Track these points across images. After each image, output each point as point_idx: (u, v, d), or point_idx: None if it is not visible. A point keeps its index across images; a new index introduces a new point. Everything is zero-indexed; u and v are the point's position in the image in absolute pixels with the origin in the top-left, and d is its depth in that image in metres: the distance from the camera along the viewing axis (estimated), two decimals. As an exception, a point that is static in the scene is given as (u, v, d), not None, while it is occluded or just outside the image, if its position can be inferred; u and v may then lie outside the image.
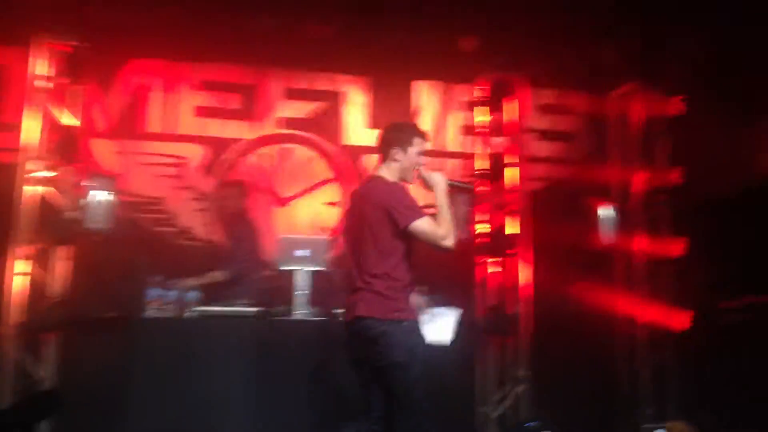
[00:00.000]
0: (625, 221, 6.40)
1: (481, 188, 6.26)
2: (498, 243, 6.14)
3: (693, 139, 6.47)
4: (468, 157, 6.61)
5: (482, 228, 6.20)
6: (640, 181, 6.49)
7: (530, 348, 5.93)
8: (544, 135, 6.97)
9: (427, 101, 6.85)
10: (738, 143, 6.44)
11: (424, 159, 3.63)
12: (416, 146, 3.60)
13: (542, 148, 6.93)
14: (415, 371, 3.37)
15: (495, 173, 6.29)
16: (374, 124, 6.68)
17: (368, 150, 6.65)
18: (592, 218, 6.52)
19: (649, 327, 6.13)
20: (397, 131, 3.66)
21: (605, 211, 6.47)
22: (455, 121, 6.88)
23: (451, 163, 6.77)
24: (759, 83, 6.15)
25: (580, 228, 6.54)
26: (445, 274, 5.88)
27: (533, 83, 6.55)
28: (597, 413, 5.75)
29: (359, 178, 6.60)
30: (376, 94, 6.72)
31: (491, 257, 6.16)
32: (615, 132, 6.66)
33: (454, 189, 3.67)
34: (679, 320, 5.98)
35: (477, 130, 6.41)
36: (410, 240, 3.50)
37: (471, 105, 6.55)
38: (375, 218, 3.47)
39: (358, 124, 6.70)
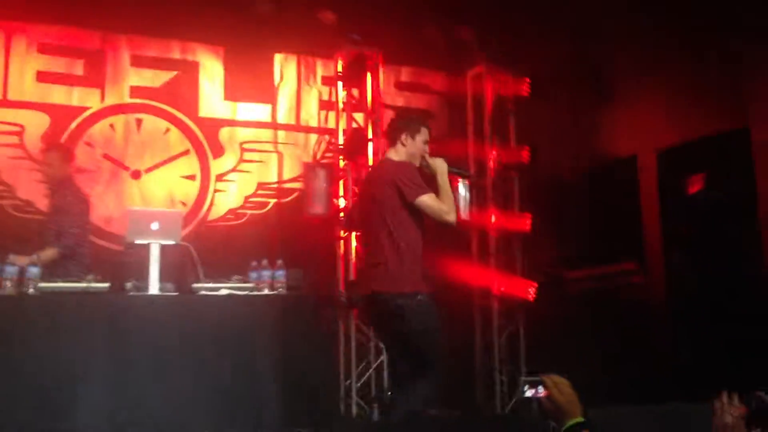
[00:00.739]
0: (479, 197, 6.62)
1: (341, 163, 6.27)
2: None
3: (540, 120, 6.80)
4: (328, 132, 6.57)
5: (343, 203, 6.20)
6: (492, 159, 6.73)
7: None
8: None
9: (286, 74, 6.72)
10: (581, 125, 6.82)
11: (427, 147, 3.97)
12: (423, 135, 3.96)
13: (400, 125, 7.00)
14: (433, 336, 3.73)
15: (354, 148, 6.29)
16: (232, 97, 6.48)
17: (226, 123, 6.45)
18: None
19: (503, 297, 6.39)
20: (407, 119, 4.09)
21: (461, 188, 6.66)
22: (315, 95, 6.80)
23: (312, 138, 6.69)
24: (603, 70, 6.55)
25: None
26: (307, 249, 5.85)
27: (391, 60, 6.61)
28: (456, 381, 5.92)
29: (216, 152, 6.39)
30: (233, 65, 6.50)
31: (352, 232, 6.16)
32: (469, 111, 6.86)
33: (453, 174, 4.00)
34: (530, 290, 6.27)
35: (336, 106, 6.39)
36: (419, 216, 3.77)
37: (331, 79, 6.51)
38: (385, 195, 3.77)
39: (214, 95, 6.46)
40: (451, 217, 3.77)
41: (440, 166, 3.89)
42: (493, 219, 6.55)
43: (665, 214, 6.10)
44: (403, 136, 3.93)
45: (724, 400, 2.19)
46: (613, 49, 6.31)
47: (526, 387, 2.29)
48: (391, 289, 3.70)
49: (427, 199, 3.73)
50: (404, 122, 4.03)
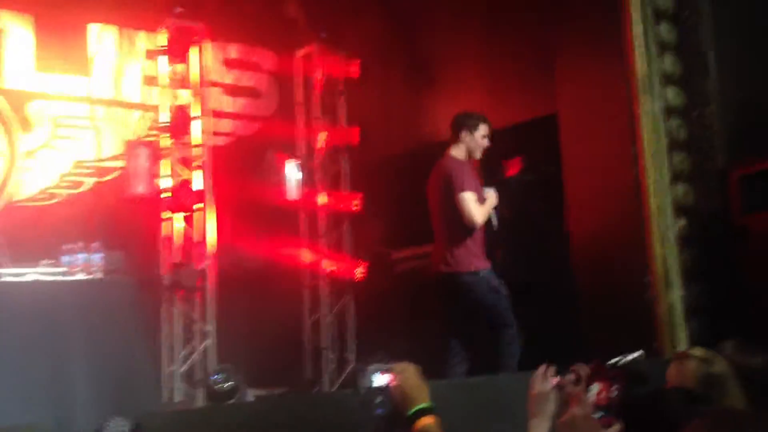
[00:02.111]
0: (308, 177, 6.62)
1: (165, 142, 6.02)
2: (183, 198, 5.95)
3: (370, 102, 6.89)
4: (150, 108, 6.28)
5: (166, 183, 5.97)
6: (322, 139, 6.75)
7: (217, 302, 5.88)
8: (229, 90, 6.87)
9: (105, 46, 6.32)
10: (409, 107, 6.97)
11: (487, 141, 4.47)
12: (481, 130, 4.45)
13: (228, 103, 6.83)
14: (500, 303, 4.31)
15: (179, 127, 6.07)
16: (43, 68, 6.02)
17: (36, 95, 5.98)
18: (278, 174, 6.64)
19: (331, 277, 6.44)
20: (467, 117, 4.51)
21: (290, 167, 6.63)
22: (136, 70, 6.45)
23: (133, 115, 6.36)
24: (427, 54, 6.72)
25: (266, 183, 6.62)
26: (128, 230, 5.59)
27: (218, 36, 6.43)
28: (285, 362, 5.92)
29: (25, 126, 5.92)
30: (45, 34, 6.02)
31: (176, 212, 5.95)
32: (299, 90, 6.83)
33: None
34: (358, 270, 6.37)
35: (160, 81, 6.12)
36: None
37: (153, 54, 6.21)
38: (444, 189, 4.37)
39: (23, 66, 5.96)
40: (478, 221, 4.31)
41: (492, 195, 4.44)
42: (321, 199, 6.58)
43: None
44: (463, 133, 4.44)
45: (540, 372, 2.30)
46: (437, 33, 6.49)
47: (374, 375, 2.30)
48: (457, 269, 4.32)
49: (468, 196, 4.28)
50: (463, 118, 4.50)
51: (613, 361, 3.21)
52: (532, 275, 5.34)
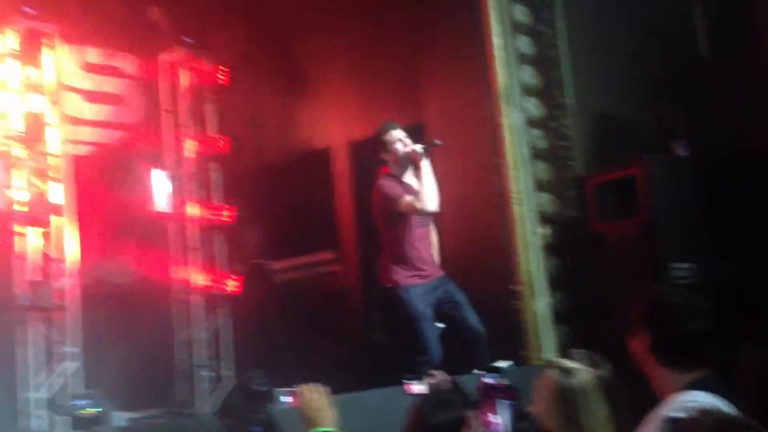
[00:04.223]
0: (177, 188, 6.41)
1: (16, 152, 5.64)
2: (39, 211, 5.59)
3: (241, 109, 6.76)
4: (0, 115, 5.85)
5: (21, 195, 5.59)
6: (190, 148, 6.55)
7: (79, 323, 5.57)
8: (89, 96, 6.52)
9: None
10: (281, 116, 6.90)
11: (402, 143, 4.43)
12: (392, 139, 4.44)
13: (87, 110, 6.49)
14: None
15: (33, 135, 5.70)
16: None
17: None
18: (144, 185, 6.39)
19: (204, 292, 6.27)
20: (376, 139, 4.55)
21: (158, 178, 6.39)
22: (-17, 73, 5.99)
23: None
24: (297, 62, 6.66)
25: (131, 195, 6.35)
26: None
27: (75, 39, 6.10)
28: (156, 382, 5.69)
29: None
30: None
31: (32, 227, 5.59)
32: (165, 97, 6.59)
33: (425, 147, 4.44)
34: (233, 283, 6.23)
35: (10, 86, 5.72)
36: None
37: (1, 56, 5.80)
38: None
39: None
40: (429, 205, 4.33)
41: (417, 151, 4.35)
42: (191, 211, 6.38)
43: (360, 204, 6.40)
44: (382, 154, 4.47)
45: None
46: (307, 41, 6.45)
47: (281, 397, 2.28)
48: None
49: (405, 201, 4.31)
50: (377, 143, 4.50)
51: (482, 370, 3.31)
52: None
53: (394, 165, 4.48)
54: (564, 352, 3.01)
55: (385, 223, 4.45)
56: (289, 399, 2.28)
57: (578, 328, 4.94)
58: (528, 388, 2.54)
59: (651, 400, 2.18)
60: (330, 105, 6.38)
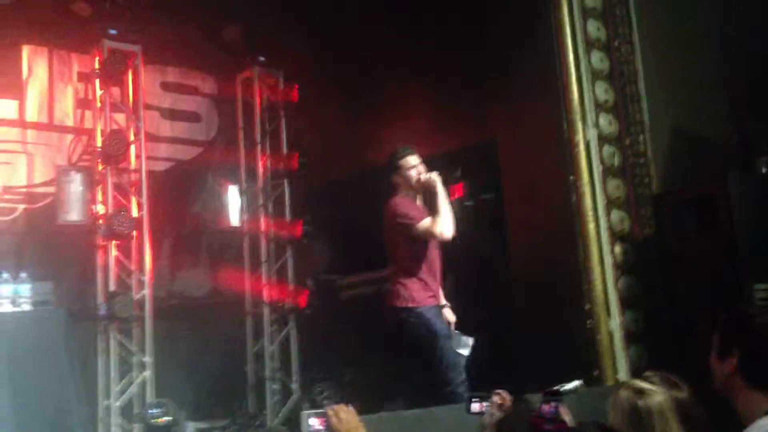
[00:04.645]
0: (250, 203, 6.54)
1: (100, 167, 5.87)
2: (119, 225, 5.79)
3: (313, 126, 6.86)
4: (85, 132, 6.11)
5: (102, 209, 5.80)
6: (264, 164, 6.68)
7: (155, 333, 5.73)
8: (168, 114, 6.75)
9: (36, 69, 6.15)
10: (349, 131, 6.97)
11: (416, 170, 4.37)
12: (406, 164, 4.38)
13: (166, 128, 6.72)
14: None
15: (115, 152, 5.91)
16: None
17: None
18: (218, 200, 6.55)
19: (275, 305, 6.35)
20: (391, 159, 4.45)
21: (231, 193, 6.55)
22: (71, 92, 6.29)
23: (67, 139, 6.18)
24: (367, 79, 6.73)
25: (206, 209, 6.52)
26: (61, 259, 5.42)
27: (156, 59, 6.33)
28: (226, 394, 5.79)
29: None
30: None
31: (113, 240, 5.79)
32: (239, 115, 6.75)
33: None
34: (302, 297, 6.30)
35: (94, 105, 5.96)
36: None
37: (89, 76, 6.06)
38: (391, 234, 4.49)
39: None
40: (446, 232, 4.25)
41: (434, 179, 4.30)
42: (263, 225, 6.50)
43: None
44: (394, 178, 4.40)
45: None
46: (377, 58, 6.51)
47: (309, 420, 2.26)
48: None
49: (423, 224, 4.24)
50: (389, 161, 4.45)
51: (553, 389, 3.24)
52: (475, 300, 5.37)
53: (406, 190, 4.42)
54: (638, 373, 2.93)
55: (405, 242, 4.37)
56: (317, 422, 2.25)
57: (653, 349, 4.79)
58: (600, 409, 2.48)
59: (732, 423, 2.10)
60: (400, 121, 6.41)
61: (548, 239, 5.13)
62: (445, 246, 4.45)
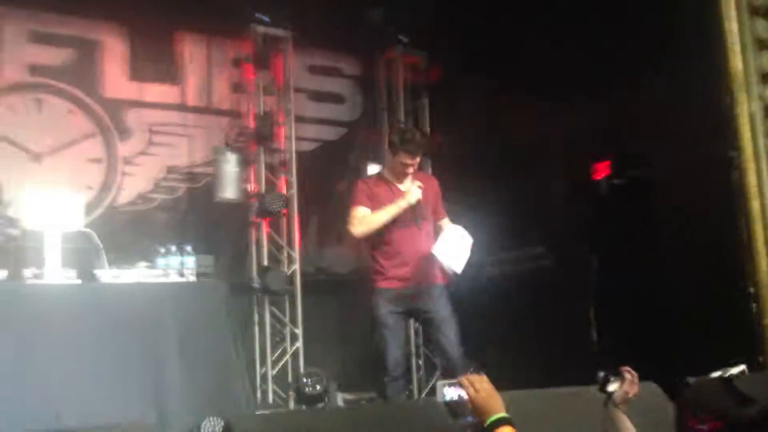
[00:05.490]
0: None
1: (252, 148, 6.17)
2: (271, 203, 6.07)
3: (454, 106, 6.85)
4: (239, 115, 6.42)
5: (254, 188, 6.11)
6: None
7: (304, 306, 5.97)
8: (313, 96, 6.96)
9: (195, 55, 6.51)
10: (493, 111, 6.89)
11: (405, 169, 4.23)
12: (400, 157, 4.21)
13: (312, 109, 6.93)
14: None
15: (266, 133, 6.19)
16: (138, 77, 6.23)
17: (132, 104, 6.21)
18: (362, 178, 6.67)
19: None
20: (394, 135, 4.36)
21: (373, 172, 6.65)
22: (226, 77, 6.61)
23: (223, 121, 6.52)
24: (510, 59, 6.62)
25: (350, 188, 6.66)
26: (219, 234, 5.74)
27: (303, 43, 6.53)
28: (372, 367, 5.93)
29: (123, 134, 6.15)
30: (139, 44, 6.24)
31: (264, 218, 6.08)
32: (383, 96, 6.86)
33: None
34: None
35: (246, 88, 6.26)
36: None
37: (241, 61, 6.36)
38: None
39: (118, 75, 6.20)
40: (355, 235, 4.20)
41: (411, 196, 4.16)
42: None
43: (572, 198, 6.26)
44: (388, 151, 4.33)
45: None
46: (523, 35, 6.38)
47: (444, 390, 2.27)
48: None
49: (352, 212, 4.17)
50: (392, 136, 4.36)
51: (715, 375, 3.11)
52: (624, 282, 5.21)
53: (389, 170, 4.33)
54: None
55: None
56: (454, 392, 2.22)
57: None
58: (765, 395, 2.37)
59: None
60: (547, 98, 6.27)
61: (707, 217, 4.88)
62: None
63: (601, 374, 2.75)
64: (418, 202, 4.18)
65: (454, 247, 4.20)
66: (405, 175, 4.23)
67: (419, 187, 4.19)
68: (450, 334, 4.16)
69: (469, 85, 6.77)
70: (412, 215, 4.17)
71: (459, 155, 6.79)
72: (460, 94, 6.78)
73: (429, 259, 4.17)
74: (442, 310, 4.20)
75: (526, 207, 6.42)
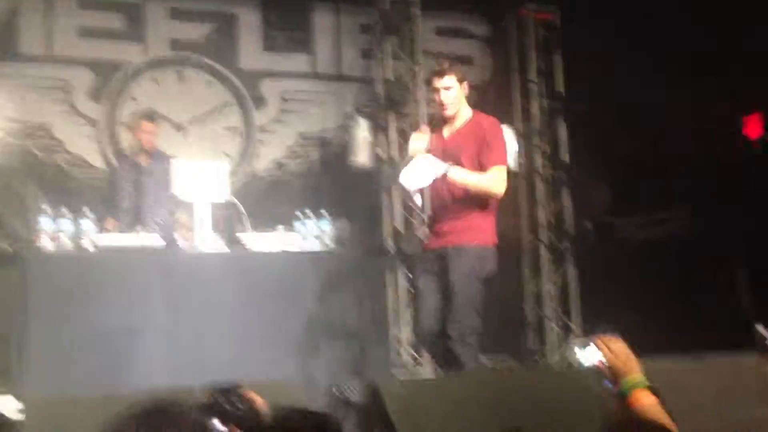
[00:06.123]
0: (526, 144, 6.51)
1: (383, 113, 6.19)
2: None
3: (589, 65, 6.57)
4: (369, 81, 6.46)
5: (386, 153, 6.14)
6: (539, 105, 6.59)
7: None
8: (443, 59, 6.87)
9: (326, 23, 6.59)
10: (630, 73, 6.57)
11: (439, 96, 3.85)
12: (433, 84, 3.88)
13: (441, 73, 6.85)
14: None
15: (397, 98, 6.19)
16: (270, 47, 6.39)
17: (266, 74, 6.38)
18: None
19: (552, 246, 6.31)
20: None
21: (506, 135, 6.53)
22: (353, 43, 6.66)
23: (354, 88, 6.58)
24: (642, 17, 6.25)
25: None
26: (355, 200, 5.85)
27: (432, 6, 6.45)
28: (506, 330, 5.90)
29: (258, 103, 6.34)
30: (271, 15, 6.39)
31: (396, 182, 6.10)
32: (513, 56, 6.69)
33: None
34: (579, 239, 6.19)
35: (376, 54, 6.27)
36: None
37: (371, 28, 6.38)
38: None
39: (254, 47, 6.38)
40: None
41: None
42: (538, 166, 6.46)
43: (716, 158, 5.91)
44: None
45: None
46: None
47: (577, 350, 2.21)
48: None
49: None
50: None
51: None
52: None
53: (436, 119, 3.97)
54: None
55: None
56: (588, 351, 2.11)
57: None
58: None
59: None
60: (688, 58, 5.91)
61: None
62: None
63: (760, 327, 2.59)
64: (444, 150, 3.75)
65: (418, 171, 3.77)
66: (443, 119, 3.86)
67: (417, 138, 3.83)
68: (467, 302, 3.83)
69: (603, 42, 6.48)
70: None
71: (595, 114, 6.55)
72: (595, 52, 6.51)
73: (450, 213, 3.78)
74: (456, 275, 3.76)
75: (667, 167, 6.13)
